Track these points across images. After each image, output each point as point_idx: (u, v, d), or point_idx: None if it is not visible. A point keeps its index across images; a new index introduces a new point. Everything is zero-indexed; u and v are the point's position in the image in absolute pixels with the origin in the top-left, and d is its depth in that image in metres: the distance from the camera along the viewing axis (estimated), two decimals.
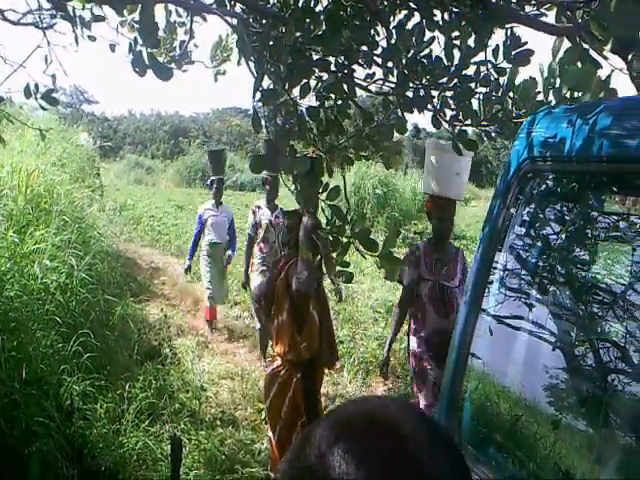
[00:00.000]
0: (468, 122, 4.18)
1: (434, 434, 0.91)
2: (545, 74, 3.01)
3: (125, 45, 3.90)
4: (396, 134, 4.61)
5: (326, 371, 6.53)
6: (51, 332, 6.40)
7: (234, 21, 3.99)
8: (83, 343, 6.63)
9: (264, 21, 4.28)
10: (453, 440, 0.96)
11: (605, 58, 2.71)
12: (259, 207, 9.32)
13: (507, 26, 3.70)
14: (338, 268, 4.03)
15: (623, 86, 2.88)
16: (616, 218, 2.33)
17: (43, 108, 5.01)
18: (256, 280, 8.92)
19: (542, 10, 3.66)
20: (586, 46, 2.77)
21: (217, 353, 9.44)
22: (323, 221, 4.44)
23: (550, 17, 3.50)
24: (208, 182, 10.74)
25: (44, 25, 4.64)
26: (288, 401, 5.36)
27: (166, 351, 8.83)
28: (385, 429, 0.90)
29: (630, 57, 2.61)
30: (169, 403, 6.99)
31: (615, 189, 2.33)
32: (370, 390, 8.39)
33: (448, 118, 4.30)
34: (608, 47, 2.59)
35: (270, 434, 5.59)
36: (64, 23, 4.57)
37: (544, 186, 2.55)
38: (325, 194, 3.99)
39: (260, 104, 4.20)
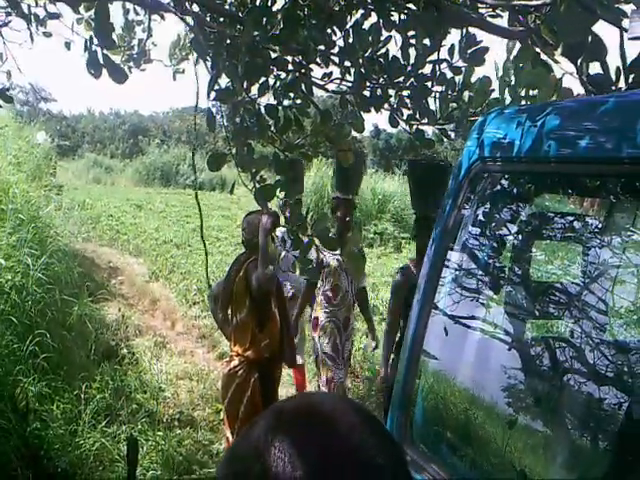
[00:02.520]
0: (425, 121, 4.21)
1: (371, 427, 0.92)
2: (500, 72, 3.05)
3: (82, 43, 3.86)
4: (356, 134, 4.63)
5: (285, 370, 6.54)
6: (6, 332, 6.32)
7: (190, 20, 3.98)
8: (39, 343, 6.57)
9: (221, 20, 4.27)
10: (390, 433, 0.97)
11: (556, 62, 2.75)
12: None
13: (463, 27, 3.74)
14: (300, 266, 4.05)
15: (573, 89, 2.93)
16: (566, 218, 2.36)
17: None
18: (322, 341, 6.76)
19: (497, 11, 3.69)
20: (538, 50, 2.81)
21: (175, 353, 9.38)
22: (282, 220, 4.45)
23: (504, 19, 3.53)
24: (281, 203, 6.80)
25: None
26: (246, 401, 5.35)
27: (124, 351, 8.77)
28: (323, 424, 0.90)
29: (579, 61, 2.65)
30: (126, 404, 6.93)
31: (564, 189, 2.37)
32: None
33: (405, 117, 4.33)
34: (559, 51, 2.63)
35: (228, 434, 5.58)
36: (19, 20, 4.52)
37: (495, 186, 2.57)
38: (283, 193, 4.00)
39: (217, 103, 4.20)
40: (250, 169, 3.77)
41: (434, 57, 3.99)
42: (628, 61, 2.57)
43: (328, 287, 6.62)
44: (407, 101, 4.30)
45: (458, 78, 3.98)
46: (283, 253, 7.52)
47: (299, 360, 7.20)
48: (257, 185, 3.76)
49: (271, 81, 4.26)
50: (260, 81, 4.04)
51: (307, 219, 3.93)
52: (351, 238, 3.83)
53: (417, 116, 4.27)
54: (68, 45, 4.81)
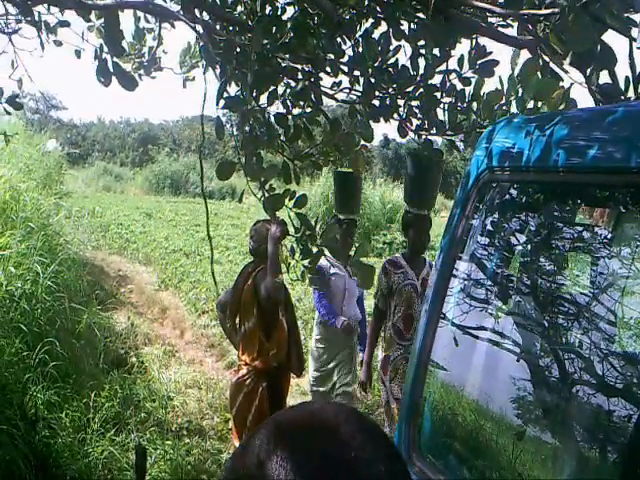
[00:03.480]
0: (434, 131, 4.21)
1: (372, 437, 0.92)
2: (505, 85, 3.05)
3: (93, 51, 3.88)
4: (365, 144, 4.63)
5: (293, 380, 6.53)
6: (15, 340, 6.34)
7: (200, 28, 3.99)
8: (48, 351, 6.58)
9: (230, 28, 4.29)
10: (392, 442, 0.97)
11: (565, 72, 2.75)
12: (394, 264, 6.08)
13: (472, 36, 3.74)
14: (309, 276, 4.04)
15: (582, 99, 2.92)
16: (575, 228, 2.35)
17: (7, 112, 4.98)
18: (393, 385, 5.87)
19: (508, 21, 3.69)
20: (547, 59, 2.80)
21: (184, 362, 9.39)
22: (291, 229, 4.45)
23: (514, 30, 3.53)
24: (331, 220, 6.67)
25: (9, 30, 4.60)
26: (254, 410, 5.35)
27: (133, 360, 8.78)
28: (322, 433, 0.90)
29: (589, 71, 2.65)
30: (135, 412, 6.95)
31: (573, 199, 2.36)
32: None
33: (414, 127, 4.33)
34: (567, 61, 2.62)
35: (236, 443, 5.57)
36: (29, 28, 4.54)
37: (503, 196, 2.57)
38: (292, 202, 4.00)
39: (227, 111, 4.20)
40: (259, 178, 3.77)
41: (443, 67, 3.99)
42: (637, 70, 2.56)
43: (399, 317, 5.85)
44: (416, 111, 4.30)
45: (468, 89, 3.98)
46: (348, 282, 6.53)
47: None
48: (266, 194, 3.76)
49: (280, 90, 4.27)
50: (269, 90, 4.05)
51: (316, 229, 3.93)
52: (359, 247, 3.81)
53: (426, 126, 4.27)
54: (78, 53, 4.83)
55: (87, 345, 8.20)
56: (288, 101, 4.35)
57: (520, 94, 2.97)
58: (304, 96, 4.28)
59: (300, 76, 4.30)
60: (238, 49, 4.03)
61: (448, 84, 4.05)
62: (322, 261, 6.12)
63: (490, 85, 3.53)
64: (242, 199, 4.34)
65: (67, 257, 9.52)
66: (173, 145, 55.98)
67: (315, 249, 3.84)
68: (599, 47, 2.51)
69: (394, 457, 0.93)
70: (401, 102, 4.28)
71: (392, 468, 0.90)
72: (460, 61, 3.85)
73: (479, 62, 3.76)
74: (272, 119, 4.19)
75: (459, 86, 4.04)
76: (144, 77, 5.09)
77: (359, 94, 4.31)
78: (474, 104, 3.92)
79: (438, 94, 4.10)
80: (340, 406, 0.98)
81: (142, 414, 6.99)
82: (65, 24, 4.62)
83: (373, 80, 4.14)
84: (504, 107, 3.39)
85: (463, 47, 3.90)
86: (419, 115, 4.30)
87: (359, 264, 3.69)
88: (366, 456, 0.87)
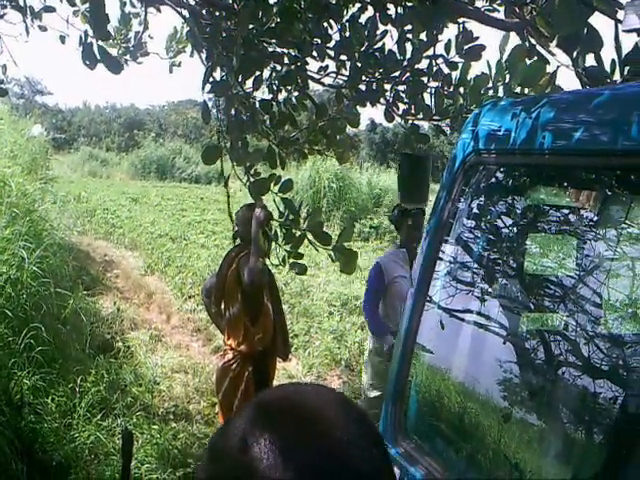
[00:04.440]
0: (420, 116, 4.21)
1: (356, 418, 0.93)
2: (493, 70, 3.05)
3: (78, 36, 3.85)
4: (352, 129, 4.63)
5: (280, 364, 6.53)
6: (1, 325, 6.30)
7: (186, 12, 3.98)
8: (34, 336, 6.55)
9: (217, 13, 4.27)
10: (373, 423, 0.97)
11: (552, 54, 2.75)
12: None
13: (459, 21, 3.74)
14: (291, 260, 4.04)
15: (569, 81, 2.93)
16: (561, 211, 2.36)
17: None
18: None
19: (494, 5, 3.69)
20: (533, 42, 2.80)
21: (170, 347, 9.38)
22: (276, 214, 4.44)
23: (501, 14, 3.54)
24: (394, 213, 6.13)
25: None
26: (240, 394, 5.34)
27: (119, 344, 8.75)
28: (306, 417, 0.90)
29: (575, 54, 2.65)
30: (122, 397, 6.92)
31: (559, 182, 2.36)
32: (325, 383, 8.39)
33: (401, 112, 4.33)
34: (554, 43, 2.62)
35: None
36: (14, 13, 4.51)
37: (489, 179, 2.57)
38: (277, 187, 3.99)
39: (212, 96, 4.19)
40: (244, 163, 3.77)
41: (430, 52, 3.99)
42: (623, 53, 2.56)
43: None
44: (403, 96, 4.30)
45: (454, 74, 3.98)
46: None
47: None
48: (251, 179, 3.76)
49: (266, 74, 4.26)
50: (255, 74, 4.04)
51: (300, 214, 3.93)
52: (343, 232, 3.80)
53: (413, 111, 4.27)
54: (63, 39, 4.80)
55: (73, 330, 8.16)
56: (274, 86, 4.34)
57: (507, 80, 2.97)
58: (290, 80, 4.27)
59: (286, 61, 4.29)
60: (224, 34, 4.02)
61: (435, 68, 4.04)
62: (385, 261, 5.98)
63: (476, 70, 3.54)
64: (227, 184, 4.31)
65: (53, 242, 9.45)
66: (159, 130, 55.62)
67: (298, 233, 3.84)
68: (585, 30, 2.51)
69: (376, 437, 0.94)
70: (388, 86, 4.28)
71: (374, 448, 0.91)
72: (447, 46, 3.85)
73: (466, 47, 3.75)
74: (257, 105, 4.19)
75: (446, 70, 4.04)
76: (130, 62, 5.07)
77: (346, 79, 4.30)
78: (461, 89, 3.92)
79: (425, 78, 4.10)
80: (321, 387, 0.98)
81: (128, 399, 6.97)
82: (50, 9, 4.59)
83: (360, 65, 4.14)
84: (491, 92, 3.39)
85: (450, 32, 3.90)
86: (406, 99, 4.30)
87: (342, 249, 3.69)
88: (350, 437, 0.88)
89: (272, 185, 3.92)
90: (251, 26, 3.93)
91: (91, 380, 6.94)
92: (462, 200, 2.57)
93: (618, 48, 2.57)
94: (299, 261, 4.11)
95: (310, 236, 3.85)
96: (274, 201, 4.18)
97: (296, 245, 3.93)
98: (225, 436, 0.91)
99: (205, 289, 6.02)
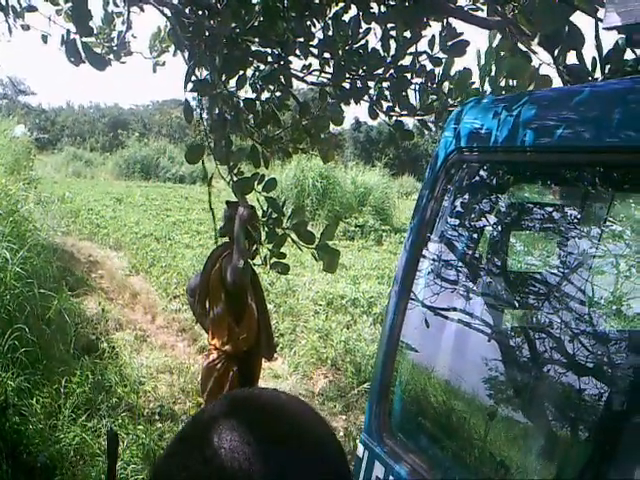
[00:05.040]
0: (404, 113, 4.22)
1: (314, 416, 0.99)
2: (482, 61, 3.05)
3: (62, 34, 3.83)
4: (336, 127, 4.63)
5: (266, 363, 6.53)
6: None
7: (168, 11, 3.97)
8: (18, 337, 6.52)
9: (199, 12, 4.26)
10: (326, 421, 1.01)
11: (534, 52, 2.76)
12: None
13: (443, 18, 3.74)
14: (274, 260, 4.03)
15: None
16: (544, 208, 2.36)
17: None
18: None
19: (477, 4, 3.70)
20: (516, 40, 2.81)
21: (156, 347, 9.35)
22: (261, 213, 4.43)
23: (484, 13, 3.55)
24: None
25: None
26: None
27: (104, 345, 8.72)
28: (268, 409, 0.94)
29: (557, 51, 2.66)
30: (107, 398, 6.91)
31: (541, 179, 2.37)
32: (311, 382, 8.41)
33: (385, 109, 4.33)
34: (536, 41, 2.63)
35: None
36: None
37: (472, 176, 2.57)
38: (261, 186, 3.99)
39: (197, 95, 4.18)
40: (228, 162, 3.76)
41: (414, 49, 3.99)
42: (604, 51, 2.58)
43: None
44: (386, 93, 4.31)
45: (438, 70, 3.99)
46: None
47: None
48: (235, 178, 3.75)
49: (250, 73, 4.25)
50: (239, 73, 4.03)
51: (284, 212, 3.92)
52: (326, 230, 3.80)
53: (397, 108, 4.28)
54: (45, 38, 4.77)
55: (57, 331, 8.11)
56: (258, 85, 4.33)
57: (493, 74, 2.98)
58: (274, 79, 4.26)
59: (270, 59, 4.28)
60: (207, 33, 4.01)
61: (418, 65, 4.05)
62: None
63: (459, 66, 3.54)
64: (211, 183, 4.30)
65: (36, 243, 9.41)
66: (143, 130, 55.54)
67: (280, 232, 3.83)
68: (567, 28, 2.52)
69: (329, 435, 0.98)
70: (371, 84, 4.28)
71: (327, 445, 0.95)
72: (431, 42, 3.85)
73: (450, 43, 3.76)
74: (241, 104, 4.18)
75: (429, 67, 4.05)
76: (114, 61, 5.05)
77: (329, 77, 4.30)
78: (445, 84, 3.93)
79: (408, 75, 4.10)
80: (284, 393, 1.02)
81: (114, 399, 6.96)
82: (32, 9, 4.57)
83: (343, 62, 4.14)
84: (477, 84, 3.40)
85: (434, 29, 3.90)
86: (389, 97, 4.31)
87: (325, 248, 3.69)
88: (306, 431, 0.93)
89: (256, 184, 3.91)
90: (234, 25, 3.93)
91: (76, 381, 6.92)
92: (445, 198, 2.57)
93: (599, 46, 2.58)
94: (281, 260, 4.10)
95: (293, 235, 3.85)
96: (257, 200, 4.17)
97: (278, 244, 3.92)
98: (194, 422, 0.95)
99: (190, 288, 6.00)
